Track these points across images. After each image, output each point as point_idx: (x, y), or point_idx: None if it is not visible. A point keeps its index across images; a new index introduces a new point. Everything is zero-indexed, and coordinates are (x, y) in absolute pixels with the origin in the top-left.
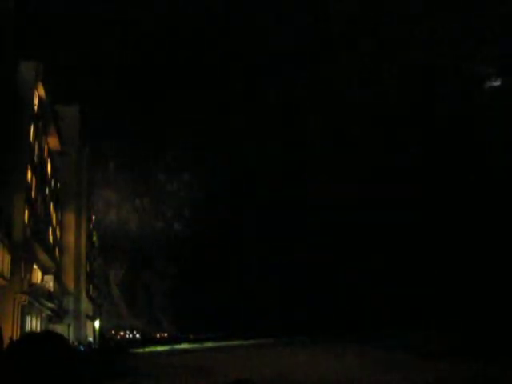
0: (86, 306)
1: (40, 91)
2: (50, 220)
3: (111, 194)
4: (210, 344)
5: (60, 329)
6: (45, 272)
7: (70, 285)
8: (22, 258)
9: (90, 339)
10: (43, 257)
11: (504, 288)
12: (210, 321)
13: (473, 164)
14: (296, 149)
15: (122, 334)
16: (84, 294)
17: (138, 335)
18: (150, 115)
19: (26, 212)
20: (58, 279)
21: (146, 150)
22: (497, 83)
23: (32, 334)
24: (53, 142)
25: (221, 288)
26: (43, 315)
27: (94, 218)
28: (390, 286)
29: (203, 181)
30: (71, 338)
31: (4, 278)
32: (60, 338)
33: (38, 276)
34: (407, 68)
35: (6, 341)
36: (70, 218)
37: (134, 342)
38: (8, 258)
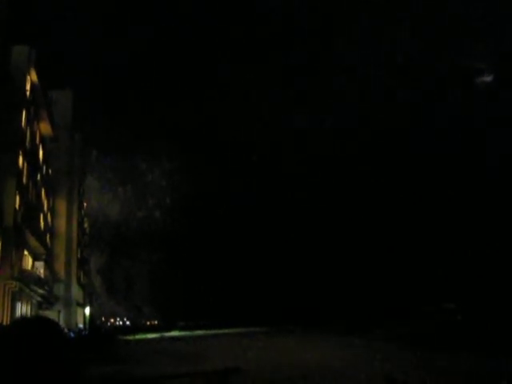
0: (76, 292)
1: (32, 76)
2: (42, 206)
3: (92, 181)
4: (200, 332)
5: (50, 315)
6: (35, 258)
7: (61, 271)
8: (13, 244)
9: (81, 326)
10: (34, 243)
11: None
12: (194, 308)
13: (472, 164)
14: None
15: (112, 321)
16: (75, 281)
17: (128, 322)
18: (135, 104)
19: (17, 198)
20: (48, 266)
21: (128, 138)
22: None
23: (23, 318)
24: (45, 128)
25: (206, 276)
26: (33, 302)
27: (85, 204)
28: (384, 277)
29: (185, 169)
30: (61, 324)
31: None
32: (51, 322)
33: (28, 262)
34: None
35: None
36: (62, 205)
37: (124, 329)
38: None
